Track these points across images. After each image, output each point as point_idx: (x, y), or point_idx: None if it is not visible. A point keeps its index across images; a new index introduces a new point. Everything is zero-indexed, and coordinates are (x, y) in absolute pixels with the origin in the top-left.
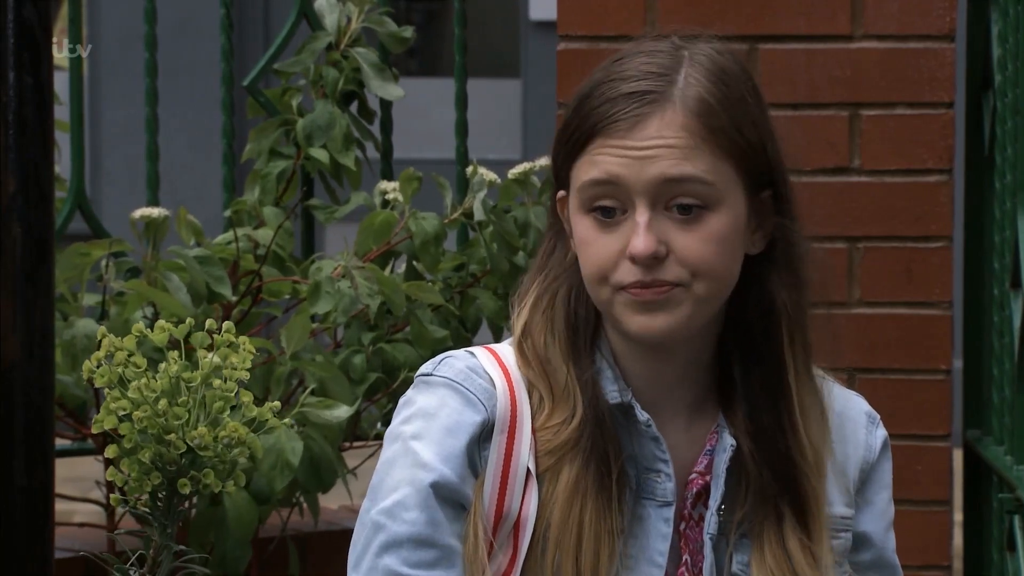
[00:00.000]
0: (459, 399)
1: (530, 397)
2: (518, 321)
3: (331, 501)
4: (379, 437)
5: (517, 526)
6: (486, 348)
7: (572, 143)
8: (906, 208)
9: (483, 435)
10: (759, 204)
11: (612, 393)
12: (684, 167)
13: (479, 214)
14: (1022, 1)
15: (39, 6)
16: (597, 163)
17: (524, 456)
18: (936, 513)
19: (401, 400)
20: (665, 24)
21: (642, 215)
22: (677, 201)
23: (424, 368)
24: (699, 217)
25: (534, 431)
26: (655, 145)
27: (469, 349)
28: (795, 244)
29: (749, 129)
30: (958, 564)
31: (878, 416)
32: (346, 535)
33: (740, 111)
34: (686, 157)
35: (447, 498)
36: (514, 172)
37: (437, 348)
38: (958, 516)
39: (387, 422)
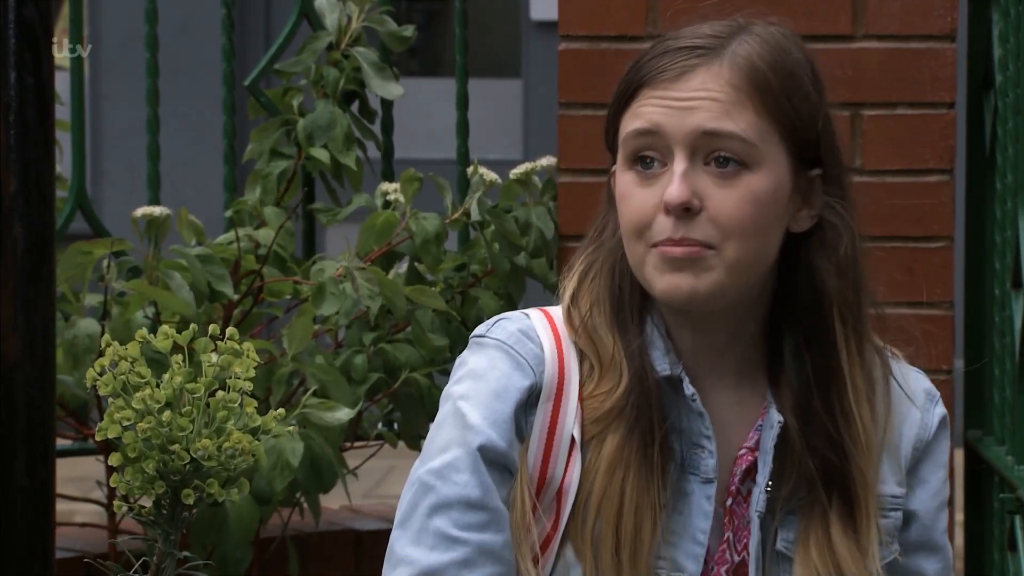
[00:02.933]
0: (509, 362)
1: (581, 364)
2: (567, 290)
3: (332, 501)
4: (380, 437)
5: (560, 493)
6: (542, 311)
7: (620, 98)
8: (907, 208)
9: (530, 400)
10: (807, 182)
11: (662, 365)
12: (724, 122)
13: (475, 214)
14: (1023, 1)
15: (40, 6)
16: (640, 114)
17: (569, 424)
18: None
19: (457, 361)
20: (666, 24)
21: (679, 164)
22: (715, 155)
23: (479, 329)
24: (737, 174)
25: (582, 399)
26: (698, 96)
27: (525, 311)
28: (844, 225)
29: (800, 101)
30: (959, 564)
31: (938, 394)
32: (347, 535)
33: (791, 82)
34: (727, 112)
35: (494, 462)
36: (516, 172)
37: (437, 355)
38: (959, 516)
39: (388, 422)
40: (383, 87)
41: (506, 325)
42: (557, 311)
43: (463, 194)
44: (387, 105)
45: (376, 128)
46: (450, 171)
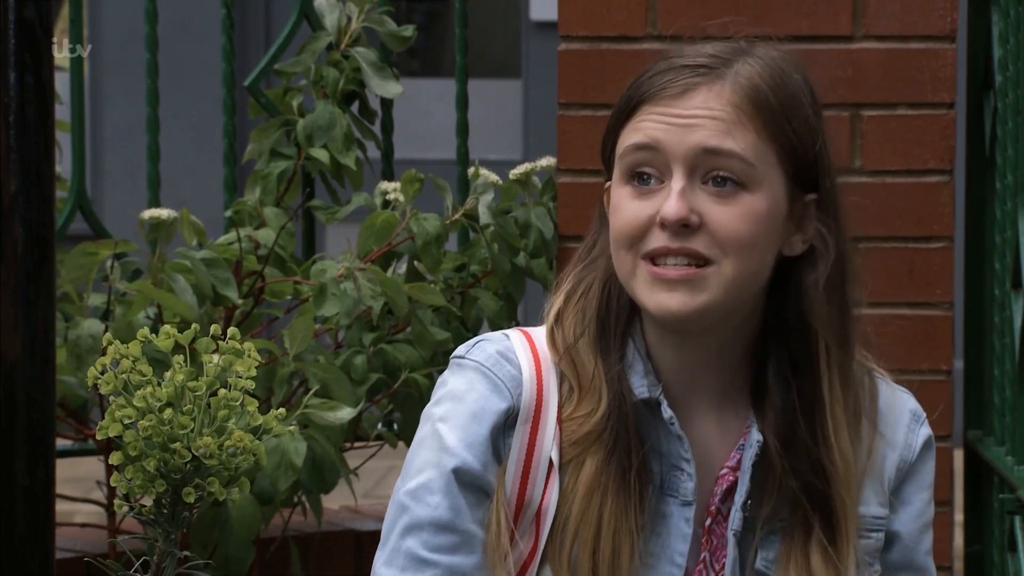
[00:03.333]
0: (487, 384)
1: (560, 385)
2: (551, 309)
3: (332, 501)
4: (380, 438)
5: (538, 515)
6: (522, 331)
7: (620, 113)
8: (907, 208)
9: (507, 423)
10: (802, 206)
11: (640, 388)
12: (725, 140)
13: (485, 218)
14: (1023, 2)
15: (40, 6)
16: (641, 128)
17: (547, 446)
18: (937, 514)
19: (438, 380)
20: (666, 25)
21: (678, 182)
22: (714, 174)
23: (459, 350)
24: (735, 193)
25: (560, 421)
26: (699, 115)
27: (505, 332)
28: (836, 254)
29: (800, 124)
30: (959, 565)
31: (924, 415)
32: (347, 536)
33: (792, 105)
34: (728, 131)
35: (469, 484)
36: (515, 172)
37: (439, 348)
38: (959, 517)
39: (388, 423)
40: (383, 87)
41: (485, 347)
42: (537, 331)
43: (463, 194)
44: (387, 105)
45: (376, 128)
46: (450, 171)
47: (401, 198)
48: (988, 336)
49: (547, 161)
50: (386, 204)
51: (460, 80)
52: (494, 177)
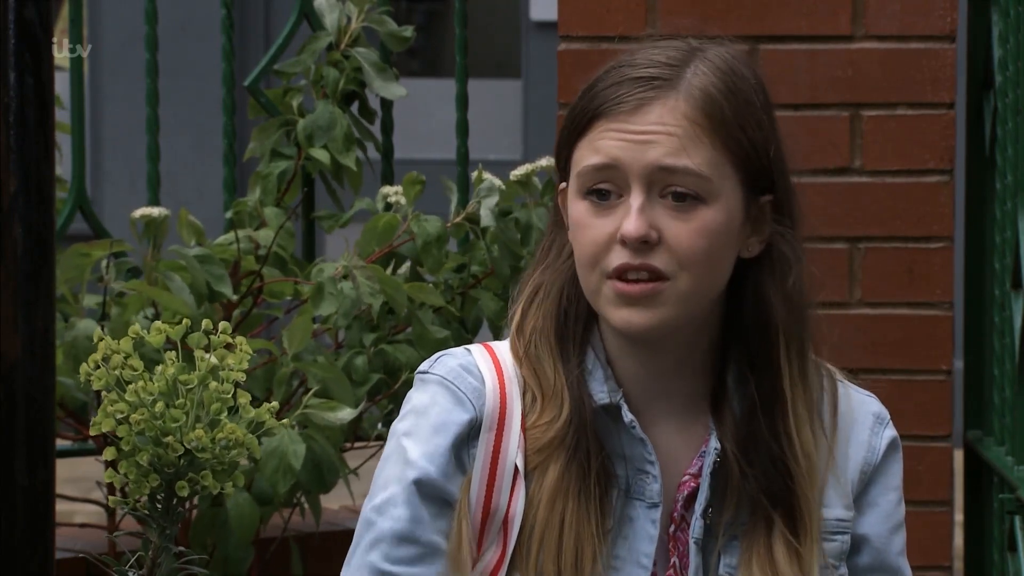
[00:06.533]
0: (450, 397)
1: (523, 395)
2: (514, 317)
3: (331, 501)
4: (380, 438)
5: (505, 523)
6: (484, 345)
7: (575, 126)
8: (907, 209)
9: (471, 434)
10: (757, 208)
11: (600, 394)
12: (680, 158)
13: (487, 220)
14: (1023, 2)
15: (40, 6)
16: (598, 148)
17: (512, 454)
18: (937, 514)
19: (405, 397)
20: (666, 25)
21: (636, 199)
22: (671, 189)
23: (422, 366)
24: (693, 208)
25: (524, 429)
26: (654, 131)
27: (467, 347)
28: (792, 252)
29: (753, 130)
30: (959, 565)
31: (888, 417)
32: (346, 535)
33: (745, 111)
34: (684, 148)
35: (430, 495)
36: (516, 173)
37: (439, 349)
38: (959, 517)
39: (388, 423)
40: (385, 87)
41: (447, 361)
42: (500, 345)
43: (463, 194)
44: (387, 106)
45: (376, 129)
46: (450, 172)
47: (403, 201)
48: (988, 336)
49: (547, 161)
50: (388, 208)
51: (460, 80)
52: (498, 181)
